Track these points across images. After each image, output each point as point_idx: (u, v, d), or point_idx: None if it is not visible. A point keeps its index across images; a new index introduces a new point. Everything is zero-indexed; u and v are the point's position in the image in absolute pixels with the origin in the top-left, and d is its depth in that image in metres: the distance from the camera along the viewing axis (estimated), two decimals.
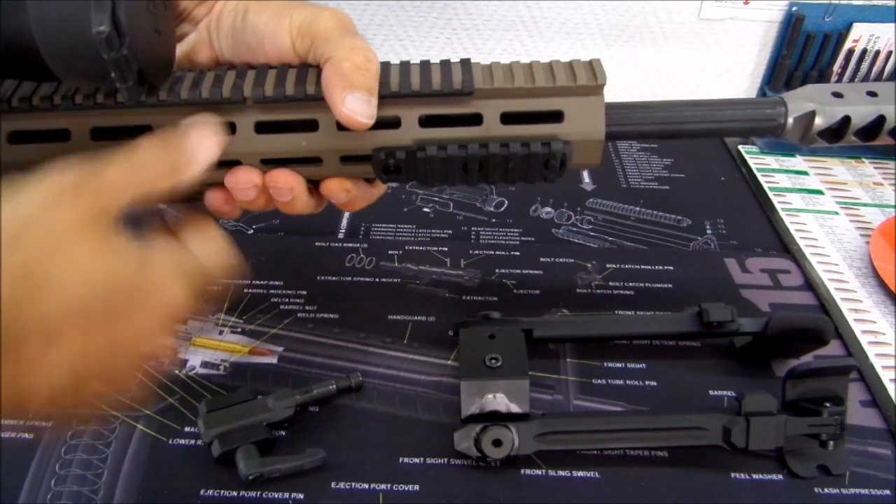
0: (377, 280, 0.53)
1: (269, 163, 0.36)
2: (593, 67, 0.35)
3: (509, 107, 0.35)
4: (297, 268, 0.54)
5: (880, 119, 0.37)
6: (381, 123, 0.34)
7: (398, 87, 0.34)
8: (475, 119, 0.35)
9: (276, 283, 0.52)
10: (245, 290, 0.52)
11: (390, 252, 0.56)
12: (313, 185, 0.37)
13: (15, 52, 0.29)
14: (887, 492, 0.39)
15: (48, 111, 0.34)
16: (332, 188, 0.37)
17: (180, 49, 0.38)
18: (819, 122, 0.37)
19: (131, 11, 0.29)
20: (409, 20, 0.70)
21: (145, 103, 0.34)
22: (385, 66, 0.35)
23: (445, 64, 0.35)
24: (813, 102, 0.37)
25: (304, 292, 0.52)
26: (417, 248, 0.57)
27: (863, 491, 0.40)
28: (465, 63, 0.35)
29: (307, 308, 0.50)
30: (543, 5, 0.68)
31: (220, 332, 0.48)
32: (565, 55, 0.71)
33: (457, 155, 0.35)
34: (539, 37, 0.71)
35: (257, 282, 0.52)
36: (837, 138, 0.38)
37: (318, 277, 0.53)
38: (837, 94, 0.37)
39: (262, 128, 0.35)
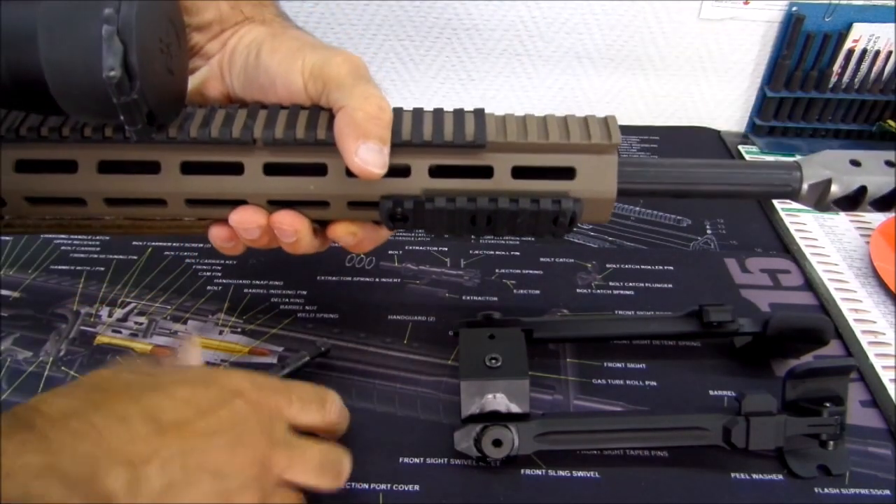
0: (377, 280, 0.53)
1: (275, 204, 0.35)
2: (608, 125, 0.35)
3: (521, 161, 0.34)
4: (297, 268, 0.54)
5: None
6: (391, 171, 0.33)
7: (410, 136, 0.33)
8: (486, 171, 0.34)
9: (276, 283, 0.52)
10: (245, 290, 0.52)
11: (390, 252, 0.56)
12: (318, 225, 0.37)
13: (24, 86, 0.28)
14: (887, 492, 0.39)
15: (57, 142, 0.34)
16: (339, 232, 0.37)
17: (191, 83, 0.37)
18: (835, 189, 0.36)
19: (144, 55, 0.28)
20: (409, 20, 0.69)
21: (154, 140, 0.33)
22: (397, 114, 0.34)
23: (458, 113, 0.35)
24: (829, 170, 0.36)
25: (304, 292, 0.52)
26: (417, 248, 0.57)
27: (863, 491, 0.40)
28: (479, 114, 0.35)
29: (307, 308, 0.50)
30: (543, 5, 0.68)
31: (220, 332, 0.48)
32: (565, 55, 0.72)
33: (465, 208, 0.34)
34: (539, 37, 0.71)
35: (257, 282, 0.52)
36: (853, 207, 0.36)
37: (318, 277, 0.53)
38: (855, 163, 0.36)
39: (270, 169, 0.34)
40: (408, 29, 0.70)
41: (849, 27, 0.67)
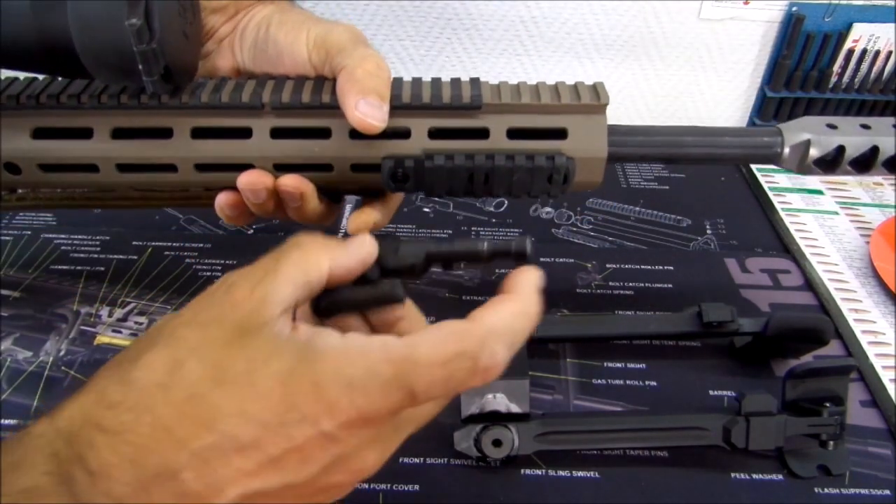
0: None
1: (281, 168, 0.36)
2: (597, 89, 0.36)
3: (515, 122, 0.36)
4: None
5: (874, 150, 0.38)
6: (392, 133, 0.35)
7: (409, 99, 0.35)
8: (482, 133, 0.36)
9: None
10: None
11: None
12: (327, 197, 0.38)
13: (50, 46, 0.31)
14: (887, 492, 0.39)
15: (74, 109, 0.35)
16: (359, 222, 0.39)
17: (203, 64, 0.40)
18: (814, 151, 0.38)
19: (163, 11, 0.31)
20: (409, 20, 0.69)
21: (167, 105, 0.35)
22: (398, 80, 0.36)
23: (455, 81, 0.37)
24: (808, 133, 0.38)
25: None
26: None
27: (863, 491, 0.40)
28: (475, 81, 0.36)
29: None
30: (543, 5, 0.68)
31: None
32: (565, 55, 0.72)
33: (463, 165, 0.36)
34: (539, 37, 0.71)
35: None
36: (832, 168, 0.39)
37: None
38: (832, 126, 0.38)
39: (277, 133, 0.36)
40: (408, 29, 0.70)
41: (849, 27, 0.67)
